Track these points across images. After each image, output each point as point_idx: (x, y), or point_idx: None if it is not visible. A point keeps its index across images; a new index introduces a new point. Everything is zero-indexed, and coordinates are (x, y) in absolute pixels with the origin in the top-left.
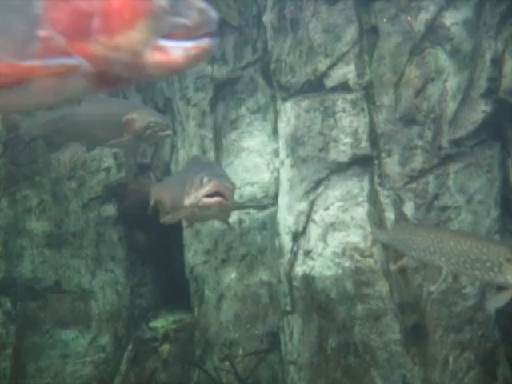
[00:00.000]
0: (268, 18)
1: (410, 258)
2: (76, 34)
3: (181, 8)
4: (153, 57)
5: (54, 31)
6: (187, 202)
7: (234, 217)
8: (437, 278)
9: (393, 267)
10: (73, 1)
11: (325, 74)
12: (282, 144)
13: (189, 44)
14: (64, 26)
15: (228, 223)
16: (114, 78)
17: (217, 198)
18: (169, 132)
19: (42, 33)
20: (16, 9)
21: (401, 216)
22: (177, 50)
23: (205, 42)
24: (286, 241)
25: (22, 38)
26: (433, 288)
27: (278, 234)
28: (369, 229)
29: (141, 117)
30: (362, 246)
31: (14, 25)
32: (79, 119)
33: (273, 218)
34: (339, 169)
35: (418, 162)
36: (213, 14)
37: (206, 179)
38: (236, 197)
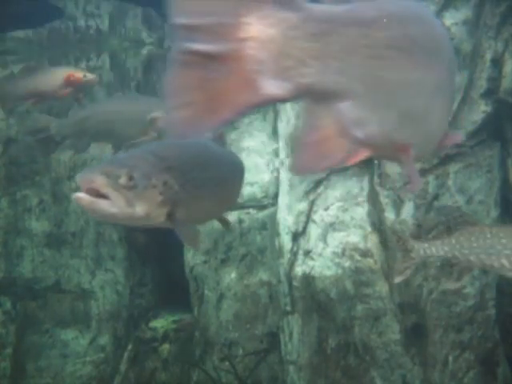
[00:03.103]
0: None
1: (492, 270)
2: None
3: None
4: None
5: None
6: None
7: (234, 217)
8: None
9: (454, 286)
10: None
11: None
12: (281, 144)
13: None
14: None
15: (227, 223)
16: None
17: (77, 194)
18: None
19: None
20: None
21: (465, 218)
22: None
23: None
24: (286, 241)
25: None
26: None
27: (277, 234)
28: (369, 229)
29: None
30: (361, 246)
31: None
32: (105, 118)
33: (273, 218)
34: (339, 169)
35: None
36: None
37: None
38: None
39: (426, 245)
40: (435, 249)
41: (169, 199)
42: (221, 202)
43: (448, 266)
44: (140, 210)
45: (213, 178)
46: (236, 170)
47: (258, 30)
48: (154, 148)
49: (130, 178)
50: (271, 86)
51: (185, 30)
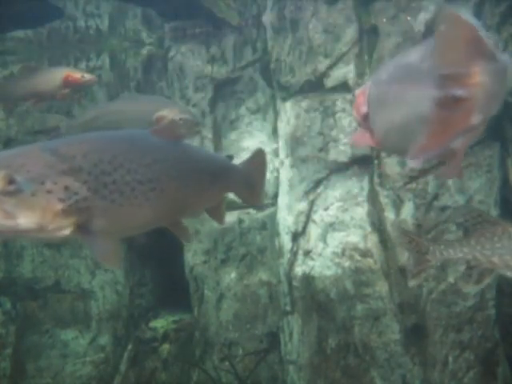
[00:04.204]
0: (268, 18)
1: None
2: None
3: None
4: None
5: None
6: None
7: (233, 217)
8: None
9: (475, 289)
10: None
11: (324, 74)
12: (281, 144)
13: None
14: None
15: (184, 234)
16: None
17: None
18: (198, 129)
19: None
20: None
21: (484, 217)
22: None
23: None
24: (286, 241)
25: None
26: None
27: (277, 234)
28: (369, 229)
29: (171, 114)
30: (361, 246)
31: None
32: (112, 117)
33: (273, 218)
34: (339, 169)
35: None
36: None
37: None
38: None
39: (443, 246)
40: (453, 250)
41: (75, 207)
42: (163, 208)
43: (469, 268)
44: (26, 221)
45: (149, 180)
46: (195, 170)
47: (481, 77)
48: (56, 144)
49: (10, 182)
50: (477, 118)
51: (443, 80)
